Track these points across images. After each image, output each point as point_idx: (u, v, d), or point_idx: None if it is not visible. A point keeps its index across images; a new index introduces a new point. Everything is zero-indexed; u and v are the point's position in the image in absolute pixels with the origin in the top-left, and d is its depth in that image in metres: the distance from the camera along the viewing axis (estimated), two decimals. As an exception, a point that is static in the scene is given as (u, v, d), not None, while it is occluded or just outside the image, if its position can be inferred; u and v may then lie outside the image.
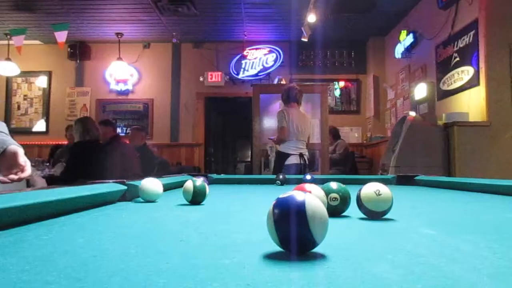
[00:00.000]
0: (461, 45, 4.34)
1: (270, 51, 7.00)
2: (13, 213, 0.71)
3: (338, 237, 0.66)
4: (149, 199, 1.23)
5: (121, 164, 3.42)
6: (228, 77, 7.01)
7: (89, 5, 5.49)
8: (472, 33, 4.11)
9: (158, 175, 3.77)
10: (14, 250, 0.55)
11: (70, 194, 0.92)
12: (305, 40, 5.97)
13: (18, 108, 7.17)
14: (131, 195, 1.26)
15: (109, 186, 1.17)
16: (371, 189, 0.85)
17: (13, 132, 1.70)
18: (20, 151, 1.27)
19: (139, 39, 6.98)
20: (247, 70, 6.99)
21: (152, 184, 1.23)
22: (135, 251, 0.55)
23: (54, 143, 6.11)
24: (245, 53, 6.93)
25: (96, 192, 1.05)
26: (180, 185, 1.54)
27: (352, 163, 5.77)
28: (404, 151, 4.05)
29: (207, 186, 1.20)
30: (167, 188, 1.67)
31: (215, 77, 6.98)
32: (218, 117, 8.40)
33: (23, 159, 1.24)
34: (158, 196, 1.25)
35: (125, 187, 1.23)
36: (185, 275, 0.42)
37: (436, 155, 3.98)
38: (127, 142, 4.70)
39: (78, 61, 6.98)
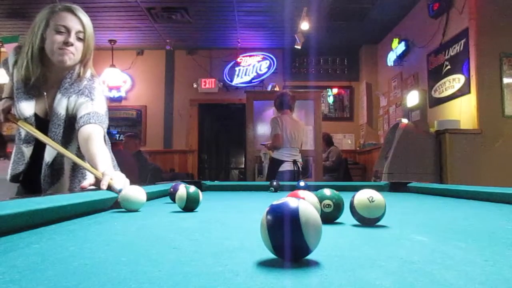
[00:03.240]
0: (452, 54, 4.39)
1: (264, 58, 7.03)
2: (3, 221, 0.70)
3: (332, 243, 0.66)
4: (131, 208, 1.13)
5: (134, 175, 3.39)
6: (221, 83, 7.03)
7: (82, 12, 5.48)
8: (463, 41, 4.17)
9: (151, 181, 3.75)
10: (4, 259, 0.54)
11: (62, 201, 0.91)
12: (299, 47, 6.01)
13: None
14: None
15: (101, 194, 1.16)
16: (364, 195, 0.85)
17: (12, 140, 1.71)
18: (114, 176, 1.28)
19: (132, 46, 6.98)
20: (241, 77, 7.01)
21: (133, 192, 1.13)
22: (127, 259, 0.55)
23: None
24: (238, 60, 6.96)
25: (88, 200, 1.04)
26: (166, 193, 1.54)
27: (345, 170, 5.79)
28: (396, 158, 4.08)
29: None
30: (157, 195, 1.67)
31: (208, 84, 6.99)
32: (212, 123, 8.40)
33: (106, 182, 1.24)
34: (140, 205, 1.15)
35: (117, 195, 1.21)
36: (177, 283, 0.42)
37: (428, 162, 4.01)
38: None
39: (70, 68, 6.94)
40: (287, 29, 5.95)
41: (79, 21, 1.47)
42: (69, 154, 1.42)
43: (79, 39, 1.48)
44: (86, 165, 1.37)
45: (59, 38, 1.43)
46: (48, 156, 1.53)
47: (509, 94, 3.94)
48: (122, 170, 1.47)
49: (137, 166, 4.27)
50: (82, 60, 1.53)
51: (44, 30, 1.45)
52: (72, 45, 1.45)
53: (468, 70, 4.06)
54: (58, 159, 1.55)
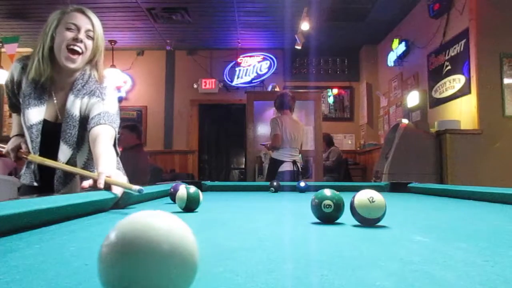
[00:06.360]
0: (452, 54, 4.39)
1: (264, 59, 7.03)
2: (3, 221, 0.70)
3: (332, 244, 0.66)
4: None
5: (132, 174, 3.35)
6: (222, 84, 7.03)
7: (82, 12, 5.48)
8: (463, 42, 4.17)
9: (151, 182, 3.73)
10: (4, 260, 0.54)
11: (62, 202, 0.91)
12: (299, 47, 6.01)
13: (10, 116, 7.10)
14: (124, 202, 1.25)
15: (101, 194, 1.16)
16: (365, 196, 0.85)
17: (5, 140, 1.70)
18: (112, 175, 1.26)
19: (132, 46, 6.98)
20: (241, 77, 7.01)
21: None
22: (127, 259, 0.55)
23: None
24: (239, 60, 6.96)
25: (88, 200, 1.04)
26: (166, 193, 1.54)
27: (346, 170, 5.79)
28: (397, 158, 4.07)
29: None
30: (157, 196, 1.67)
31: (209, 84, 6.99)
32: (212, 124, 8.39)
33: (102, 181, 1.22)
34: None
35: (117, 195, 1.21)
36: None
37: (429, 162, 4.01)
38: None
39: (71, 68, 6.95)
40: (287, 29, 5.94)
41: (89, 21, 1.51)
42: (71, 168, 1.45)
43: (88, 37, 1.51)
44: (85, 172, 1.39)
45: (69, 34, 1.47)
46: (63, 156, 1.55)
47: (509, 94, 3.94)
48: (138, 172, 1.49)
49: (149, 169, 4.17)
50: (91, 61, 1.56)
51: (55, 30, 1.48)
52: (81, 41, 1.48)
53: (469, 71, 4.06)
54: (72, 159, 1.57)
